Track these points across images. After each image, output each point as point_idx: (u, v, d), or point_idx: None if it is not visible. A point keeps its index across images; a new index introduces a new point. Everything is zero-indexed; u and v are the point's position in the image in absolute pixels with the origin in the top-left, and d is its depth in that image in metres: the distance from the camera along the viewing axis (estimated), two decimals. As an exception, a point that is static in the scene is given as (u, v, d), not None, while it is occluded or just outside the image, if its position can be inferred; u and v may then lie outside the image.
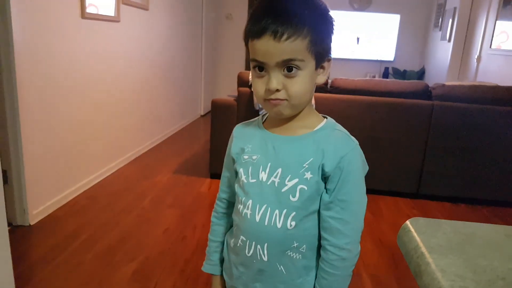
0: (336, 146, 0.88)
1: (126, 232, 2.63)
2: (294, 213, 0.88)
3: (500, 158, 3.23)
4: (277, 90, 0.83)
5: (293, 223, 0.88)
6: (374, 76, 7.09)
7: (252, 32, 0.82)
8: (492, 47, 4.70)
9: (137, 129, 4.17)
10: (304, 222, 0.89)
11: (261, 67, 0.84)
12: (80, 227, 2.66)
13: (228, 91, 6.64)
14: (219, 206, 1.11)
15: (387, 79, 3.47)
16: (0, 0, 2.33)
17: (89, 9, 3.08)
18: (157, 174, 3.70)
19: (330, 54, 0.89)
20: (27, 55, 2.52)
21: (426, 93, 3.29)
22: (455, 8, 5.56)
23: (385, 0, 6.92)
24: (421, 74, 6.81)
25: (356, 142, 0.92)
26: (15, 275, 1.78)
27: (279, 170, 0.89)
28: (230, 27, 7.01)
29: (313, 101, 3.14)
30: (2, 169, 2.56)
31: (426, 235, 0.66)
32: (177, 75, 5.32)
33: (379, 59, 7.11)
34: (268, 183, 0.90)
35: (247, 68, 6.61)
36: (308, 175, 0.86)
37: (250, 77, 3.30)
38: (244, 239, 0.94)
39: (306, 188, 0.87)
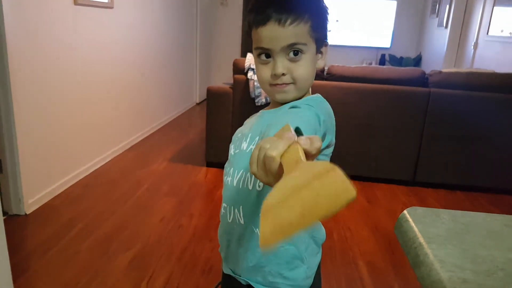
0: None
1: (122, 221, 2.62)
2: None
3: (497, 145, 3.23)
4: (283, 74, 0.87)
5: (261, 184, 0.90)
6: (370, 63, 7.07)
7: (257, 20, 0.86)
8: (489, 33, 4.68)
9: (132, 117, 4.15)
10: None
11: (267, 54, 0.88)
12: (76, 216, 2.65)
13: (223, 79, 6.60)
14: None
15: (384, 66, 3.45)
16: (-9, -14, 2.29)
17: (82, -4, 3.03)
18: (153, 163, 3.68)
19: (327, 39, 0.95)
20: (20, 44, 2.48)
21: (422, 80, 3.28)
22: (452, -6, 5.52)
23: (382, -14, 6.88)
24: (417, 61, 6.79)
25: (320, 98, 0.94)
26: (11, 264, 1.77)
27: (257, 138, 0.93)
28: (225, 13, 6.94)
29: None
30: (-3, 159, 2.55)
31: (424, 225, 0.65)
32: (172, 63, 5.28)
33: (375, 46, 7.08)
34: (247, 150, 0.94)
35: (243, 55, 6.56)
36: (272, 132, 0.88)
37: (246, 64, 3.28)
38: (226, 205, 0.99)
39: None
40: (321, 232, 1.05)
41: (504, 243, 0.61)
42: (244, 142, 0.97)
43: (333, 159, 2.88)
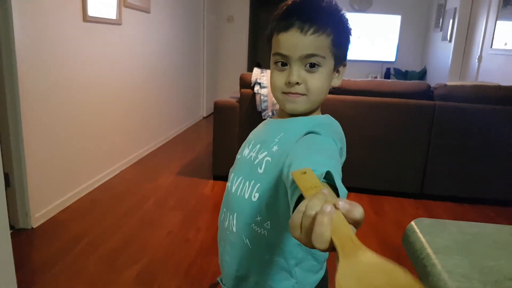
0: (308, 121, 0.89)
1: (129, 235, 2.63)
2: (259, 184, 0.90)
3: (503, 157, 3.22)
4: (297, 84, 0.87)
5: (257, 195, 0.90)
6: (376, 77, 7.09)
7: (279, 26, 0.87)
8: (493, 47, 4.69)
9: (140, 131, 4.17)
10: (267, 196, 0.89)
11: (283, 63, 0.88)
12: (83, 230, 2.66)
13: (230, 93, 6.64)
14: None
15: (389, 80, 3.47)
16: (2, 3, 2.33)
17: (91, 12, 3.08)
18: (159, 177, 3.70)
19: (346, 60, 0.95)
20: (29, 59, 2.52)
21: (428, 93, 3.29)
22: (455, 9, 5.55)
23: (386, 1, 6.93)
24: (422, 75, 6.80)
25: (333, 121, 0.94)
26: (18, 279, 1.77)
27: (258, 146, 0.94)
28: (232, 29, 7.01)
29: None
30: (4, 172, 2.56)
31: (432, 236, 0.65)
32: (179, 77, 5.32)
33: (380, 60, 7.10)
34: (247, 157, 0.95)
35: (249, 69, 6.61)
36: (275, 148, 0.89)
37: (253, 78, 3.30)
38: (225, 210, 0.99)
39: (270, 159, 0.89)
40: None
41: (511, 252, 0.61)
42: (247, 148, 0.97)
43: (342, 171, 2.86)
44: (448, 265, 0.56)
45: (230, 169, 1.01)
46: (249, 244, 0.93)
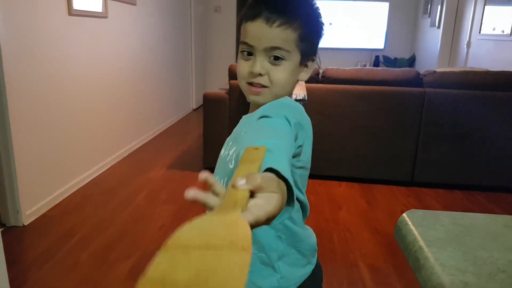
0: (264, 107, 0.87)
1: (121, 230, 2.61)
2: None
3: (493, 143, 3.24)
4: (260, 75, 0.86)
5: None
6: (365, 65, 7.09)
7: (247, 15, 0.86)
8: (482, 32, 4.70)
9: (129, 125, 4.14)
10: None
11: (249, 52, 0.87)
12: (74, 226, 2.64)
13: (219, 84, 6.60)
14: None
15: (378, 68, 3.46)
16: (-16, -2, 2.29)
17: (76, 6, 3.03)
18: (150, 170, 3.68)
19: (316, 55, 0.94)
20: (15, 54, 2.48)
21: (417, 80, 3.29)
22: (443, -6, 5.55)
23: (374, -12, 6.91)
24: (411, 62, 6.81)
25: (289, 100, 0.91)
26: (10, 277, 1.76)
27: (230, 143, 0.94)
28: (219, 19, 6.96)
29: (305, 92, 3.14)
30: (-7, 171, 2.54)
31: (424, 228, 0.65)
32: (168, 70, 5.28)
33: (369, 47, 7.10)
34: (223, 156, 0.94)
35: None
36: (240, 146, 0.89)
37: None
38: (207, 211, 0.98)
39: (240, 153, 0.88)
40: (308, 242, 0.99)
41: (504, 244, 0.61)
42: (223, 147, 0.97)
43: (331, 161, 2.90)
44: (441, 257, 0.56)
45: None
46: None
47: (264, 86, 0.88)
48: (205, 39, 6.91)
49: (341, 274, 2.20)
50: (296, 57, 0.87)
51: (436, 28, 5.78)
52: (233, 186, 0.44)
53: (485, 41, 4.64)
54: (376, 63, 7.03)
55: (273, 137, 0.66)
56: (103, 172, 3.57)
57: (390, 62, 6.90)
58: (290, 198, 0.51)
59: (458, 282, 0.51)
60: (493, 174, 3.31)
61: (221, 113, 3.43)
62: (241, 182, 0.43)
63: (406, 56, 7.02)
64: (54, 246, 2.40)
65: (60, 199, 2.97)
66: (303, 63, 0.90)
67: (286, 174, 0.50)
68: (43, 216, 2.76)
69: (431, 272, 0.54)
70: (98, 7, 3.37)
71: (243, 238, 0.38)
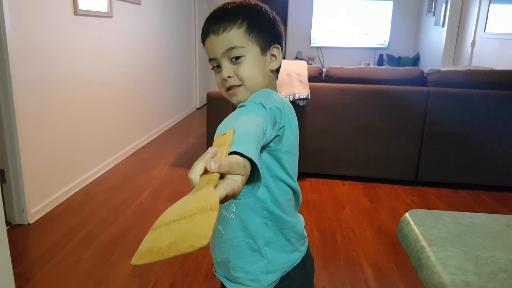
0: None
1: (124, 228, 2.62)
2: None
3: (497, 142, 3.23)
4: (229, 77, 0.94)
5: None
6: (368, 64, 7.08)
7: (202, 37, 0.98)
8: (486, 31, 4.69)
9: (133, 124, 4.15)
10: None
11: (217, 66, 0.96)
12: (78, 224, 2.65)
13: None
14: None
15: (382, 67, 3.46)
16: (-11, -3, 2.30)
17: (82, 6, 3.04)
18: (154, 168, 3.69)
19: (278, 43, 0.99)
20: (21, 54, 2.49)
21: (421, 79, 3.29)
22: (448, -7, 5.53)
23: (378, -14, 6.89)
24: (416, 60, 6.79)
25: (266, 90, 0.94)
26: (14, 274, 1.77)
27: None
28: (223, 18, 6.95)
29: (308, 91, 3.14)
30: (0, 169, 2.55)
31: (426, 227, 0.65)
32: (172, 69, 5.29)
33: (373, 46, 7.08)
34: None
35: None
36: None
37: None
38: None
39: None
40: (295, 230, 1.03)
41: (506, 243, 0.61)
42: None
43: (334, 160, 2.90)
44: (443, 257, 0.56)
45: None
46: (222, 230, 0.99)
47: (237, 86, 0.95)
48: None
49: (344, 273, 2.20)
50: (253, 49, 0.94)
51: (440, 26, 5.76)
52: (206, 171, 0.51)
53: (490, 40, 4.63)
54: (380, 62, 7.02)
55: (243, 122, 0.72)
56: (108, 170, 3.58)
57: (394, 61, 6.89)
58: (258, 175, 0.58)
59: (459, 282, 0.51)
60: (498, 174, 3.30)
61: (224, 112, 3.42)
62: (214, 167, 0.51)
63: (410, 55, 7.01)
64: (58, 244, 2.42)
65: (65, 198, 2.99)
66: (265, 52, 0.96)
67: (251, 154, 0.57)
68: (48, 214, 2.77)
69: (432, 271, 0.54)
70: (103, 7, 3.38)
71: (211, 201, 0.45)
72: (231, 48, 0.92)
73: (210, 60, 0.97)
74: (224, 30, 0.92)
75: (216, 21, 0.93)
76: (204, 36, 0.96)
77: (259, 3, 0.99)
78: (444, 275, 0.52)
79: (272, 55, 0.98)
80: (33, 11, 2.59)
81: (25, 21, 2.54)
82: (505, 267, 0.54)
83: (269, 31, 0.97)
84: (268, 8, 1.00)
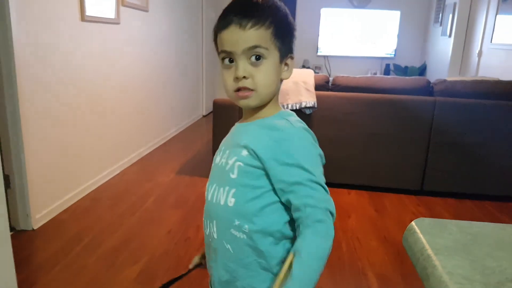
0: (271, 131, 0.91)
1: (129, 234, 2.62)
2: (234, 190, 0.92)
3: (504, 152, 3.21)
4: (244, 78, 0.88)
5: (233, 200, 0.92)
6: (375, 73, 7.07)
7: (220, 26, 0.91)
8: (493, 41, 4.68)
9: (139, 131, 4.17)
10: (243, 201, 0.91)
11: (230, 59, 0.90)
12: (83, 230, 2.66)
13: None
14: None
15: (388, 76, 3.46)
16: (0, 4, 2.32)
17: (89, 12, 3.07)
18: (159, 175, 3.69)
19: (293, 52, 0.96)
20: (28, 60, 2.51)
21: (427, 89, 3.28)
22: (455, 3, 5.53)
23: (385, -4, 6.91)
24: (422, 70, 6.78)
25: (298, 126, 0.92)
26: (19, 280, 1.78)
27: (227, 151, 0.96)
28: (230, 26, 6.99)
29: (314, 99, 3.14)
30: (5, 174, 2.56)
31: (432, 236, 0.65)
32: (178, 76, 5.31)
33: (380, 56, 7.09)
34: (219, 164, 0.97)
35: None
36: (244, 152, 0.91)
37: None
38: (204, 218, 1.01)
39: (242, 164, 0.91)
40: None
41: (513, 253, 0.60)
42: (218, 155, 1.00)
43: (340, 169, 2.89)
44: (449, 266, 0.56)
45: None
46: (230, 249, 0.95)
47: (251, 90, 0.90)
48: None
49: (349, 283, 2.19)
50: (275, 54, 0.90)
51: (447, 36, 5.76)
52: None
53: (496, 50, 4.62)
54: (386, 72, 7.01)
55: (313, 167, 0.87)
56: (113, 177, 3.59)
57: (401, 70, 6.88)
58: None
59: (466, 291, 0.50)
60: (504, 184, 3.27)
61: (230, 120, 3.41)
62: None
63: (417, 64, 7.00)
64: (63, 249, 2.42)
65: (70, 203, 3.00)
66: (282, 61, 0.93)
67: None
68: (53, 219, 2.78)
69: (439, 280, 0.53)
70: (110, 13, 3.41)
71: None
72: (256, 47, 0.87)
73: (223, 52, 0.91)
74: (253, 26, 0.87)
75: (244, 14, 0.87)
76: (224, 26, 0.89)
77: (283, 4, 0.94)
78: (450, 284, 0.52)
79: (286, 64, 0.95)
80: (40, 16, 2.61)
81: (32, 27, 2.56)
82: (512, 277, 0.53)
83: (290, 40, 0.95)
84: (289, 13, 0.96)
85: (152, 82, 4.43)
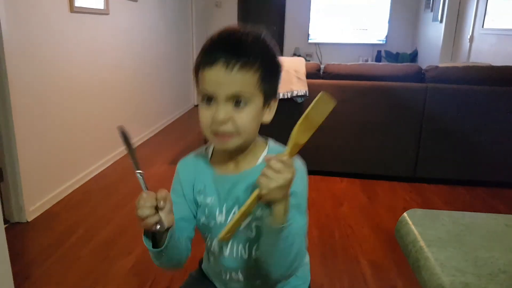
0: None
1: (122, 226, 2.62)
2: (256, 244, 0.93)
3: (495, 138, 3.23)
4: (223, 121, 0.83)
5: (257, 252, 0.93)
6: (366, 60, 7.06)
7: (204, 62, 0.83)
8: (485, 26, 4.68)
9: (131, 122, 4.14)
10: None
11: (210, 98, 0.84)
12: (76, 222, 2.65)
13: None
14: None
15: (380, 63, 3.46)
16: (-15, -5, 2.29)
17: (78, 3, 3.03)
18: (152, 166, 3.68)
19: (277, 95, 0.91)
20: (17, 52, 2.48)
21: (419, 75, 3.28)
22: (446, -12, 5.52)
23: (376, -18, 6.88)
24: (414, 56, 6.78)
25: (297, 164, 0.88)
26: (13, 272, 1.77)
27: (235, 208, 0.93)
28: (220, 14, 6.96)
29: (306, 88, 3.13)
30: (-4, 167, 2.55)
31: (424, 227, 0.65)
32: (169, 66, 5.27)
33: (371, 42, 7.07)
34: (227, 223, 0.90)
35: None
36: (258, 212, 0.87)
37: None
38: (219, 269, 1.03)
39: (259, 224, 0.90)
40: (304, 269, 1.12)
41: (506, 244, 0.60)
42: (220, 215, 0.95)
43: (332, 157, 2.89)
44: (441, 258, 0.56)
45: (203, 231, 1.03)
46: (260, 285, 1.00)
47: (230, 134, 0.84)
48: (206, 34, 6.82)
49: (342, 270, 2.21)
50: (259, 99, 0.85)
51: (438, 22, 5.75)
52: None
53: (488, 35, 4.62)
54: (378, 58, 7.00)
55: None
56: (105, 168, 3.58)
57: (392, 57, 6.88)
58: None
59: (458, 283, 0.50)
60: (496, 170, 3.30)
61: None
62: None
63: (408, 51, 6.99)
64: (56, 241, 2.41)
65: (63, 196, 2.98)
66: (266, 104, 0.88)
67: None
68: (46, 212, 2.77)
69: (431, 273, 0.54)
70: (99, 4, 3.36)
71: None
72: (239, 92, 0.81)
73: (204, 91, 0.84)
74: (240, 69, 0.80)
75: (233, 53, 0.80)
76: (210, 63, 0.82)
77: (270, 40, 0.88)
78: (443, 277, 0.52)
79: (269, 105, 0.90)
80: (29, 8, 2.58)
81: (21, 19, 2.52)
82: (505, 268, 0.54)
83: (276, 83, 0.89)
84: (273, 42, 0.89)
85: (142, 73, 4.40)
